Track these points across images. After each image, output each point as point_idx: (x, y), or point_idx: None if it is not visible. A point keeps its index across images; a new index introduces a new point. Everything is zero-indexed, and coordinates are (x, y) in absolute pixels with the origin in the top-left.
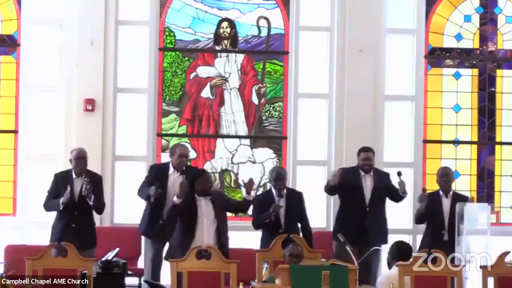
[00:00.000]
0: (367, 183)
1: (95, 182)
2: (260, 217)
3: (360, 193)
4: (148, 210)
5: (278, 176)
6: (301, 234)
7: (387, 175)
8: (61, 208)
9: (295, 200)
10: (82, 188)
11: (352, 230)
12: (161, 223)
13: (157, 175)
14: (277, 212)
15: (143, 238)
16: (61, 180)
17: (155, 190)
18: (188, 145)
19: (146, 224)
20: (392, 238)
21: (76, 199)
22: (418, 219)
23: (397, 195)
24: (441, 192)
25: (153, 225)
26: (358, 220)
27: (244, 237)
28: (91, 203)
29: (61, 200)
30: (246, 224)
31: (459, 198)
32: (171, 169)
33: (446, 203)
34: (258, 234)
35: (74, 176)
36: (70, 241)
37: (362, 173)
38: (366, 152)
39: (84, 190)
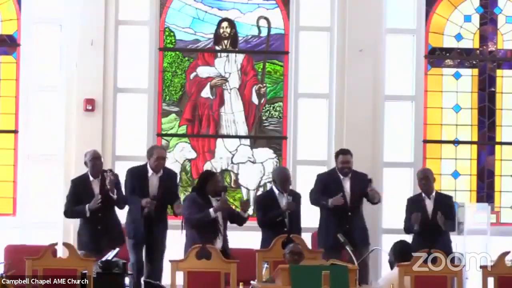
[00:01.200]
0: (346, 186)
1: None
2: (271, 216)
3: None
4: (137, 214)
5: (286, 177)
6: None
7: (365, 176)
8: (88, 216)
9: (295, 200)
10: (104, 185)
11: (334, 235)
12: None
13: (138, 178)
14: (292, 210)
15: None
16: (81, 185)
17: (150, 203)
18: (188, 145)
19: (138, 229)
20: (391, 238)
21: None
22: (409, 232)
23: (372, 200)
24: (423, 194)
25: (137, 228)
26: (341, 224)
27: (244, 237)
28: (114, 196)
29: (88, 206)
30: (246, 224)
31: (442, 199)
32: (150, 171)
33: (429, 205)
34: (258, 234)
35: (91, 178)
36: (99, 243)
37: (341, 177)
38: (345, 155)
39: (109, 183)
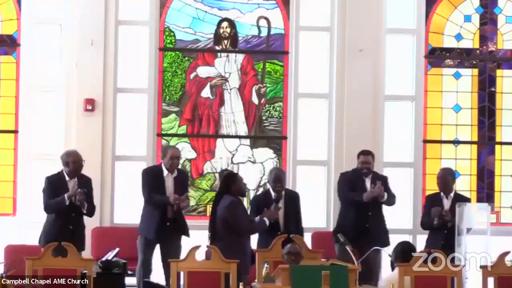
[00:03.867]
0: (368, 186)
1: (87, 184)
2: (255, 226)
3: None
4: (157, 213)
5: (277, 178)
6: None
7: (385, 178)
8: (67, 203)
9: (292, 200)
10: (75, 193)
11: (355, 234)
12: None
13: (155, 178)
14: (275, 217)
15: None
16: (56, 183)
17: (179, 199)
18: (188, 145)
19: (155, 229)
20: (392, 238)
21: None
22: (426, 227)
23: (386, 201)
24: (442, 194)
25: (162, 227)
26: (360, 223)
27: None
28: (84, 211)
29: (67, 195)
30: None
31: (460, 199)
32: (165, 172)
33: (446, 204)
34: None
35: (67, 178)
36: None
37: (363, 176)
38: (366, 155)
39: (78, 201)
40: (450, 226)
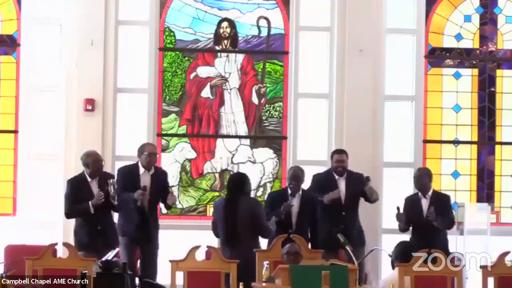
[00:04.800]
0: (341, 186)
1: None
2: (270, 216)
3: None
4: (130, 212)
5: (294, 175)
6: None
7: (360, 176)
8: (92, 212)
9: (310, 203)
10: (103, 185)
11: (331, 235)
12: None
13: (129, 177)
14: (289, 211)
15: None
16: (78, 185)
17: (142, 194)
18: (188, 145)
19: (130, 227)
20: (391, 238)
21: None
22: (403, 230)
23: (371, 199)
24: (419, 194)
25: (130, 226)
26: (335, 224)
27: None
28: (115, 203)
29: (91, 202)
30: None
31: (439, 197)
32: (142, 169)
33: (425, 204)
34: None
35: (89, 179)
36: (98, 244)
37: (336, 177)
38: (340, 154)
39: (114, 192)
40: (431, 223)
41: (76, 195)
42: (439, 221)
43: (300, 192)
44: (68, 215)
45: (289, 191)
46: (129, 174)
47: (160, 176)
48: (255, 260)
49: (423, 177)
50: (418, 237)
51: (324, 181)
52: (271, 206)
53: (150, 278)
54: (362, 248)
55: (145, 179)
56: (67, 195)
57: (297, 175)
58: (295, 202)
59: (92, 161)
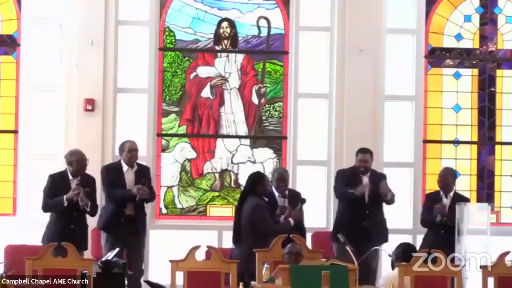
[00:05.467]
0: (364, 183)
1: (90, 184)
2: (280, 227)
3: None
4: (111, 207)
5: (280, 177)
6: None
7: (383, 176)
8: (65, 205)
9: (296, 200)
10: (75, 195)
11: (352, 232)
12: (122, 221)
13: (114, 174)
14: (284, 213)
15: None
16: (59, 181)
17: (142, 188)
18: (188, 145)
19: (109, 220)
20: (392, 238)
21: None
22: (426, 225)
23: (387, 200)
24: (441, 193)
25: (117, 222)
26: (358, 222)
27: None
28: (88, 209)
29: (66, 196)
30: None
31: (460, 199)
32: (125, 167)
33: (446, 203)
34: None
35: (70, 177)
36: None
37: (360, 174)
38: (364, 153)
39: (81, 202)
40: (450, 225)
41: (55, 190)
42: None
43: (286, 192)
44: (44, 207)
45: (278, 194)
46: (113, 172)
47: (143, 173)
48: (255, 260)
49: (448, 176)
50: (433, 234)
51: (350, 177)
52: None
53: (137, 272)
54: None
55: (129, 176)
56: (45, 189)
57: (283, 176)
58: (286, 203)
59: (77, 160)
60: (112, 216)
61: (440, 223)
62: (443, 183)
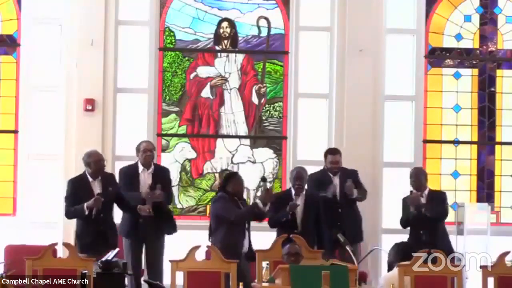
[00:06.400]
0: (336, 184)
1: (111, 181)
2: (276, 216)
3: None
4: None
5: (297, 175)
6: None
7: (354, 172)
8: (86, 213)
9: (315, 203)
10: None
11: (327, 232)
12: (141, 222)
13: (129, 176)
14: (294, 211)
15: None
16: (79, 185)
17: (150, 193)
18: (188, 145)
19: (128, 225)
20: (391, 238)
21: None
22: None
23: (357, 197)
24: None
25: (135, 225)
26: (332, 221)
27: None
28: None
29: (86, 205)
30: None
31: (435, 195)
32: (141, 168)
33: (422, 202)
34: (259, 234)
35: (90, 179)
36: (100, 245)
37: (331, 175)
38: (334, 155)
39: (94, 211)
40: (430, 216)
41: (76, 195)
42: (433, 212)
43: (304, 192)
44: (66, 214)
45: (293, 192)
46: (129, 173)
47: (160, 175)
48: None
49: (419, 175)
50: (416, 232)
51: (321, 179)
52: (276, 207)
53: (155, 278)
54: (358, 245)
55: (145, 177)
56: (67, 196)
57: (301, 175)
58: (299, 201)
59: (94, 160)
60: (129, 220)
61: (415, 213)
62: (416, 183)
